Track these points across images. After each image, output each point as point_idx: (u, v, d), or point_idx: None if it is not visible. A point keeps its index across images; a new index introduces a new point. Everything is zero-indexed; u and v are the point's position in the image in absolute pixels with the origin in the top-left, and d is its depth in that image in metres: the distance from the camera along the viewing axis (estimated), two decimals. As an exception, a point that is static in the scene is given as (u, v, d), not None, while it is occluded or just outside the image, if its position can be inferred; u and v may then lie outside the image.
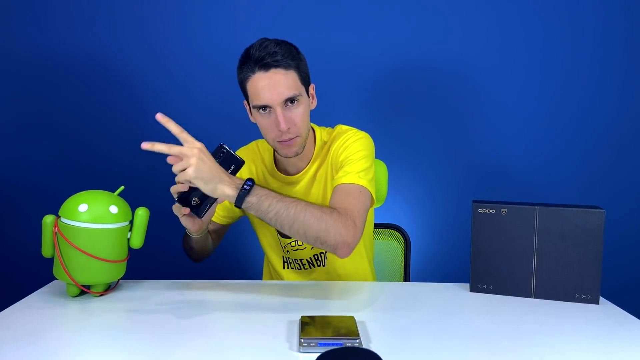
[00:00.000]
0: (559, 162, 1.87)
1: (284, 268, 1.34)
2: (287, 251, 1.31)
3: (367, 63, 1.84)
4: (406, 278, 1.45)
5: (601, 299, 1.07)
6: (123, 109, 1.86)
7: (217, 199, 1.01)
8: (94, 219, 1.02)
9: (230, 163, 1.01)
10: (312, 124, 1.29)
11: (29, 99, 1.85)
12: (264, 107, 1.14)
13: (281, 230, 1.03)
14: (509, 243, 1.09)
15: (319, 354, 0.69)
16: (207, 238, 1.25)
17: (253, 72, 1.13)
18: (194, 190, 1.02)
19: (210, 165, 0.96)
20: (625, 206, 1.85)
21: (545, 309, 1.03)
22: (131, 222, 1.09)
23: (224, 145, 1.02)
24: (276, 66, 1.11)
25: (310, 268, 1.32)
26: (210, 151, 0.98)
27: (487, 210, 1.10)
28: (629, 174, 1.86)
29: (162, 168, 1.83)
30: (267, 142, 1.22)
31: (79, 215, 1.01)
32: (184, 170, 0.95)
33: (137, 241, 1.09)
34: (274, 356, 0.79)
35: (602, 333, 0.91)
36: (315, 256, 1.30)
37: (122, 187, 1.10)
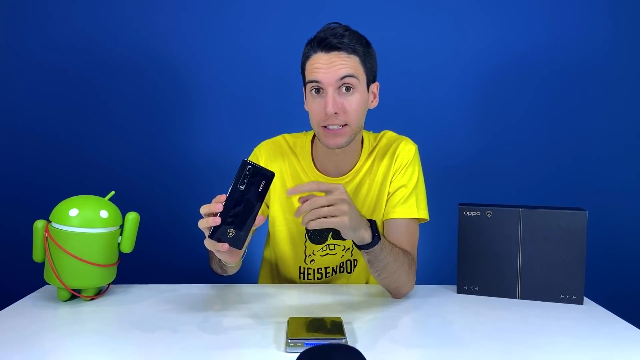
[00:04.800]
0: (544, 164, 1.89)
1: (299, 278, 1.27)
2: (312, 260, 1.24)
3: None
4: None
5: (585, 299, 1.09)
6: (113, 114, 1.87)
7: (253, 224, 0.87)
8: (85, 224, 1.03)
9: (259, 179, 0.85)
10: None
11: (19, 103, 1.85)
12: (316, 89, 1.08)
13: (373, 274, 1.04)
14: (495, 245, 1.10)
15: (304, 353, 0.70)
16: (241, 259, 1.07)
17: (315, 51, 1.08)
18: (224, 222, 0.85)
19: (356, 209, 0.93)
20: (609, 207, 1.87)
21: (530, 309, 1.04)
22: (122, 226, 1.10)
23: (248, 161, 0.85)
24: (339, 49, 1.05)
25: (333, 275, 1.26)
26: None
27: (472, 213, 1.11)
28: (612, 175, 1.88)
29: (152, 173, 1.87)
30: (313, 129, 1.14)
31: (69, 219, 1.02)
32: (331, 220, 0.89)
33: (128, 246, 1.10)
34: (261, 356, 0.80)
35: (586, 332, 0.93)
36: (342, 264, 1.25)
37: (112, 192, 1.12)
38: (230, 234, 0.85)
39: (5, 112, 1.86)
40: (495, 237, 1.10)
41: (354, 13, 1.83)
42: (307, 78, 1.09)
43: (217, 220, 0.84)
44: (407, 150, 1.20)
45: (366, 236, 0.95)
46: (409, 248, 1.13)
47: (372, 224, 0.98)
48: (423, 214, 1.17)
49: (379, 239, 0.97)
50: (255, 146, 1.27)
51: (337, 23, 1.09)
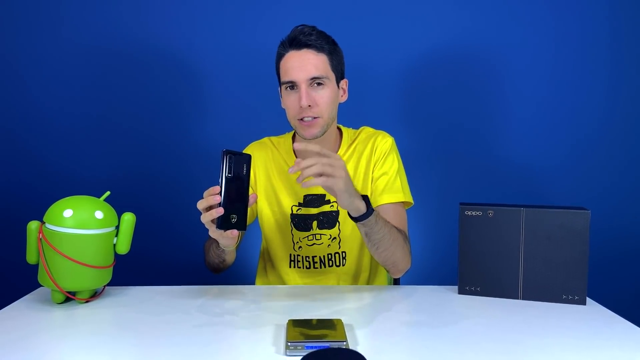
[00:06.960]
0: (546, 163, 1.88)
1: (290, 267, 1.31)
2: (300, 247, 1.29)
3: (357, 65, 1.84)
4: (396, 281, 1.44)
5: (588, 299, 1.08)
6: (109, 114, 1.85)
7: (248, 204, 0.95)
8: (79, 225, 1.01)
9: (242, 163, 0.94)
10: (339, 125, 1.32)
11: (12, 102, 1.83)
12: (291, 85, 1.17)
13: (371, 248, 1.10)
14: (496, 245, 1.09)
15: (304, 357, 0.69)
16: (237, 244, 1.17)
17: (286, 50, 1.18)
18: (226, 210, 0.91)
19: (351, 181, 0.99)
20: (611, 207, 1.86)
21: (532, 310, 1.03)
22: (117, 227, 1.08)
23: (228, 150, 0.92)
24: (308, 46, 1.16)
25: (322, 268, 1.29)
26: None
27: (474, 213, 1.10)
28: (615, 174, 1.87)
29: (148, 173, 1.85)
30: (290, 122, 1.23)
31: (63, 220, 1.00)
32: (329, 179, 0.95)
33: (123, 247, 1.08)
34: (260, 360, 0.79)
35: (589, 333, 0.91)
36: (330, 255, 1.28)
37: (107, 193, 1.10)
38: (234, 219, 0.93)
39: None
40: (496, 237, 1.09)
41: (358, 10, 1.82)
42: (282, 79, 1.20)
43: (221, 211, 0.90)
44: (385, 142, 1.29)
45: (361, 206, 1.02)
46: (401, 228, 1.19)
47: (365, 198, 1.04)
48: (408, 197, 1.26)
49: (373, 210, 1.04)
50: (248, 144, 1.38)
51: (304, 25, 1.18)
